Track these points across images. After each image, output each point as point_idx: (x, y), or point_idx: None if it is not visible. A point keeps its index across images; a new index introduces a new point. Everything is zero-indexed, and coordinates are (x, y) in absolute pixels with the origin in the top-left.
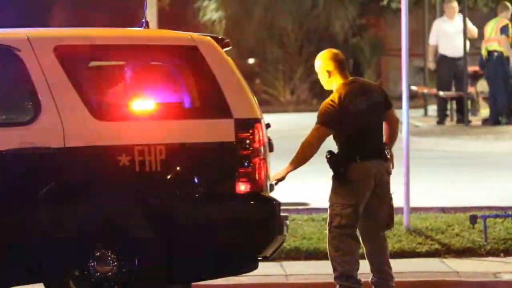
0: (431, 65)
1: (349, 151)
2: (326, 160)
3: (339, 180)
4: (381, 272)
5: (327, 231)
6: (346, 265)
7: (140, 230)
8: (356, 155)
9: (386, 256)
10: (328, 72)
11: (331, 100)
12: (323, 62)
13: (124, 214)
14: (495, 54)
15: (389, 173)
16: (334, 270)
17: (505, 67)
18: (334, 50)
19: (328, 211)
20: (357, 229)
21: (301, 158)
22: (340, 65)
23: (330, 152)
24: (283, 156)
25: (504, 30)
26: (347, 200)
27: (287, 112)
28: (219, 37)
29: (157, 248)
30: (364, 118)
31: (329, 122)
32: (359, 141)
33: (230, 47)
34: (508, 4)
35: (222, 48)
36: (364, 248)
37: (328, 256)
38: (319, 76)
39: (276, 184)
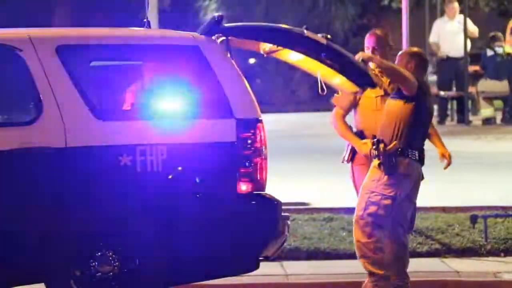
0: (439, 52)
1: (406, 145)
2: (373, 147)
3: (387, 171)
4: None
5: (355, 218)
6: (379, 252)
7: (141, 231)
8: (409, 150)
9: None
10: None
11: None
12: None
13: (125, 214)
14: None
15: (423, 178)
16: (364, 256)
17: None
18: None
19: (361, 197)
20: None
21: (397, 73)
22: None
23: (381, 140)
24: (283, 155)
25: None
26: (389, 192)
27: (287, 112)
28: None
29: (158, 248)
30: (429, 117)
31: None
32: (416, 138)
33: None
34: None
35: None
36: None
37: (356, 243)
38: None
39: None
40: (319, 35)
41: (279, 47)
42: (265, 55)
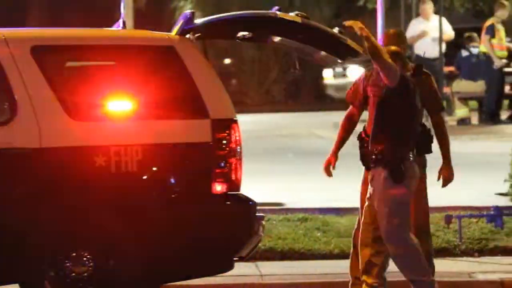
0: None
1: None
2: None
3: (398, 179)
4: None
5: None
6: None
7: (116, 231)
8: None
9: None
10: None
11: None
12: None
13: (100, 214)
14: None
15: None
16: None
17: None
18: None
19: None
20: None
21: (380, 55)
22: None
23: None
24: (258, 156)
25: (488, 30)
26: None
27: (262, 113)
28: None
29: (133, 249)
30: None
31: None
32: (414, 139)
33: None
34: (505, 2)
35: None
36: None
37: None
38: None
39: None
40: (292, 13)
41: (255, 33)
42: (241, 41)
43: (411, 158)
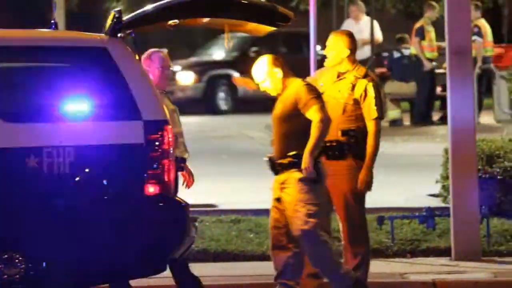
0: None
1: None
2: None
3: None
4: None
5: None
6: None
7: (48, 233)
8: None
9: None
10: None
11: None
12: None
13: (32, 216)
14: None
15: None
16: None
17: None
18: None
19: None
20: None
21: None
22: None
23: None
24: (191, 157)
25: (418, 32)
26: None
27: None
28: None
29: (65, 251)
30: None
31: None
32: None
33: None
34: (434, 3)
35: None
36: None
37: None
38: (267, 81)
39: None
40: None
41: (185, 18)
42: (172, 28)
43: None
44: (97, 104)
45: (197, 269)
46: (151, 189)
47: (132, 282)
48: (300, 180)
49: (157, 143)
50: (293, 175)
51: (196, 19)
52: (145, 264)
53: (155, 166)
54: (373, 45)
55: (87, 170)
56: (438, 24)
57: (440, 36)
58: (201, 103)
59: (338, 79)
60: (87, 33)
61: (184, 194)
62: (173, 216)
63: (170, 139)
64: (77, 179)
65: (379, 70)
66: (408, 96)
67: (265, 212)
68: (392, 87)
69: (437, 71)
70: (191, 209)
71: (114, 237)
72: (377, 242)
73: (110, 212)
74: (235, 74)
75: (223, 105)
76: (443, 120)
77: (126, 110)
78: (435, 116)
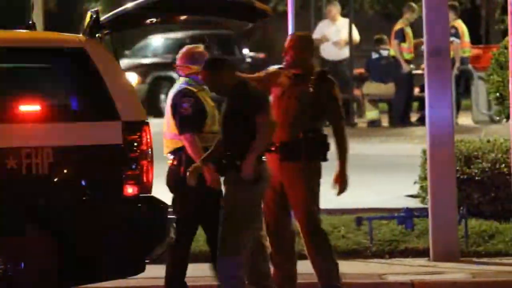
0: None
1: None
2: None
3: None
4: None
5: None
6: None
7: (27, 233)
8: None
9: None
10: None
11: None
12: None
13: (10, 217)
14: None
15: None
16: None
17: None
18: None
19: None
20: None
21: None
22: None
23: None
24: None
25: (398, 35)
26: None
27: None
28: None
29: (44, 252)
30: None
31: None
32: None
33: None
34: (414, 5)
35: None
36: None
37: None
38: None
39: None
40: None
41: (162, 16)
42: (150, 26)
43: (264, 161)
44: (75, 105)
45: None
46: (130, 190)
47: (113, 283)
48: (239, 179)
49: (135, 144)
50: (234, 175)
51: (174, 17)
52: (123, 265)
53: (133, 167)
54: (351, 46)
55: (65, 171)
56: (416, 25)
57: (418, 37)
58: (144, 105)
59: (298, 80)
60: (65, 33)
61: (163, 195)
62: (152, 217)
63: (149, 140)
64: (55, 179)
65: (357, 70)
66: (386, 97)
67: None
68: (370, 88)
69: (415, 72)
70: (169, 210)
71: (92, 238)
72: (355, 243)
73: (88, 213)
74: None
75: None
76: (421, 121)
77: (104, 110)
78: (413, 117)
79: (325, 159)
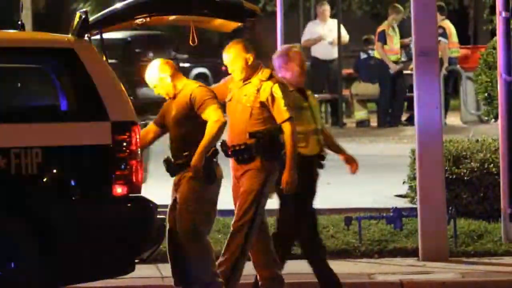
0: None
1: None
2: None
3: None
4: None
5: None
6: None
7: (16, 234)
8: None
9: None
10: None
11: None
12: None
13: (0, 217)
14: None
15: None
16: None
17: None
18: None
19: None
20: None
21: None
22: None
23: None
24: (158, 158)
25: (380, 37)
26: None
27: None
28: None
29: (33, 252)
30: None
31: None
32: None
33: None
34: (399, 6)
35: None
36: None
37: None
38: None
39: None
40: None
41: (150, 17)
42: (138, 27)
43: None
44: (64, 105)
45: (165, 269)
46: (119, 189)
47: (103, 283)
48: (191, 178)
49: (124, 144)
50: (186, 175)
51: (162, 17)
52: (113, 265)
53: (122, 167)
54: (339, 46)
55: (54, 171)
56: (404, 25)
57: (406, 37)
58: None
59: (243, 84)
60: (54, 34)
61: (152, 194)
62: (141, 217)
63: (138, 140)
64: (44, 180)
65: (346, 71)
66: (375, 97)
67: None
68: (359, 88)
69: (404, 72)
70: (159, 209)
71: (82, 238)
72: (344, 242)
73: (78, 213)
74: None
75: None
76: (410, 121)
77: (93, 111)
78: (402, 117)
79: (276, 158)
